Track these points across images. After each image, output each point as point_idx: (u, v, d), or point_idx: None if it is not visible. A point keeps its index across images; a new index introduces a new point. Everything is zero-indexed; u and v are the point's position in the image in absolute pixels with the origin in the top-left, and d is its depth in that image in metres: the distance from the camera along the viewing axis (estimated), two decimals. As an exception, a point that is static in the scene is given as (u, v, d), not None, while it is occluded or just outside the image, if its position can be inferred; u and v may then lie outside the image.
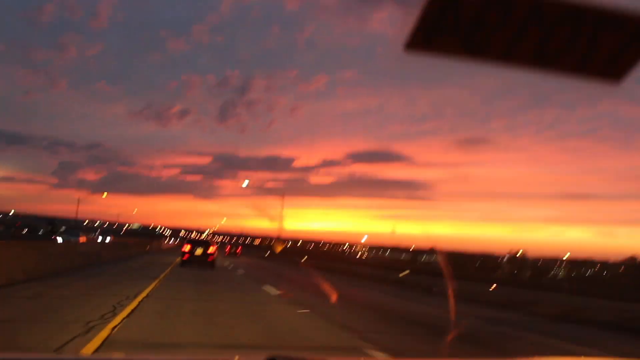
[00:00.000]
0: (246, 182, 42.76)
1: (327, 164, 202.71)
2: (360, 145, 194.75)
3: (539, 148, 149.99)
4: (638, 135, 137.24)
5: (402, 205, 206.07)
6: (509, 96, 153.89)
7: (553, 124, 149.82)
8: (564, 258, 69.25)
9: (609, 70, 1.04)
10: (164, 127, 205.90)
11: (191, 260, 25.90)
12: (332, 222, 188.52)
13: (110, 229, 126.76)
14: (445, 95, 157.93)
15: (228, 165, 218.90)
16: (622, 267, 57.76)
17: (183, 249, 27.32)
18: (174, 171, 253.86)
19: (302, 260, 40.74)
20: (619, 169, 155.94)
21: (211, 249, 27.22)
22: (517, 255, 64.89)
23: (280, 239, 37.98)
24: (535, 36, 0.99)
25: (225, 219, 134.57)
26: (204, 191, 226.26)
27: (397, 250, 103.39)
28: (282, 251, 56.92)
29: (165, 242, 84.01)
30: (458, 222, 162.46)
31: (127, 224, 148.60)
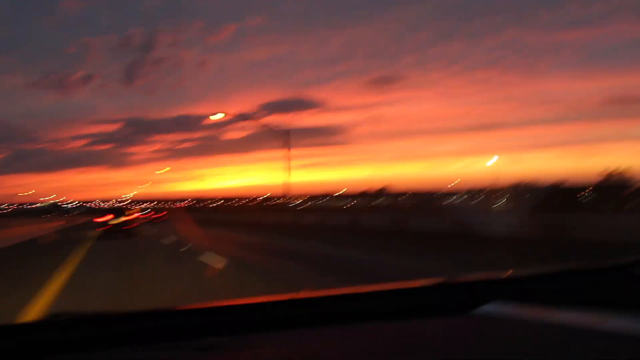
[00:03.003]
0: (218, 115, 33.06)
1: (241, 117, 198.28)
2: (273, 94, 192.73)
3: (448, 82, 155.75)
4: (542, 61, 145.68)
5: (321, 152, 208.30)
6: (416, 31, 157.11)
7: (461, 55, 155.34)
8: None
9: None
10: (66, 96, 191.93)
11: (112, 231, 24.72)
12: (250, 177, 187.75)
13: (20, 210, 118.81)
14: (355, 35, 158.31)
15: (139, 129, 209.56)
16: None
17: (102, 220, 25.70)
18: (83, 142, 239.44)
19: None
20: (526, 96, 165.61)
21: (131, 217, 26.21)
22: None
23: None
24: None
25: (149, 183, 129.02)
26: (116, 159, 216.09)
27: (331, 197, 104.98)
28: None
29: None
30: (376, 164, 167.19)
31: (36, 204, 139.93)
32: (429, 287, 1.62)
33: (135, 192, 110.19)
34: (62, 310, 1.58)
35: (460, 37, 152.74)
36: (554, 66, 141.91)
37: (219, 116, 32.64)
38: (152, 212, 60.53)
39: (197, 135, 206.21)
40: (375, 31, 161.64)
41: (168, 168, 72.77)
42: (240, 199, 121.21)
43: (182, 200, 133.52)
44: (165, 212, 60.14)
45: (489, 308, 1.47)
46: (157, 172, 67.24)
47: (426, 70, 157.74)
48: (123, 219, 25.66)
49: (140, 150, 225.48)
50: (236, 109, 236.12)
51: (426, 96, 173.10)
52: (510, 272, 1.68)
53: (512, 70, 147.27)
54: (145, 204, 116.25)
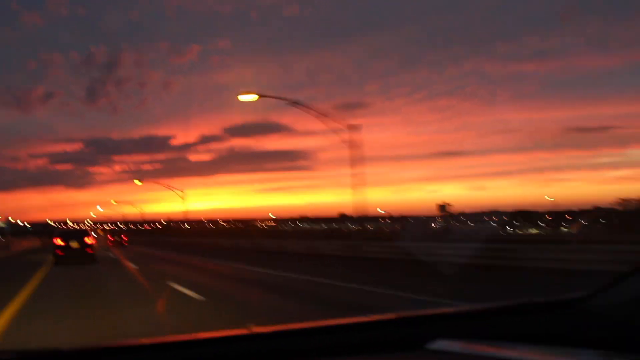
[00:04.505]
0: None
1: (206, 140, 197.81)
2: (238, 118, 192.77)
3: (411, 109, 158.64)
4: (501, 91, 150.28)
5: (285, 176, 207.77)
6: (380, 59, 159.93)
7: (423, 84, 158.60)
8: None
9: None
10: (25, 114, 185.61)
11: (67, 256, 22.81)
12: (217, 201, 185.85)
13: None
14: (320, 61, 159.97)
15: (101, 150, 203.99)
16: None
17: (55, 243, 23.55)
18: (42, 161, 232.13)
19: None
20: (486, 124, 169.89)
21: (89, 240, 24.12)
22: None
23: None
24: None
25: (113, 203, 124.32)
26: (77, 180, 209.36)
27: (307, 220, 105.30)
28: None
29: None
30: (340, 189, 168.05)
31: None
32: (381, 322, 1.59)
33: (99, 214, 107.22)
34: (5, 348, 1.45)
35: (423, 66, 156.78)
36: (513, 96, 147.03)
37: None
38: (110, 235, 58.45)
39: (161, 156, 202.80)
40: (339, 57, 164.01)
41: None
42: (204, 221, 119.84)
43: (146, 222, 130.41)
44: (125, 236, 57.74)
45: (441, 344, 1.45)
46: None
47: (389, 98, 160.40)
48: (87, 241, 24.14)
49: (102, 170, 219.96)
50: (200, 131, 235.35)
51: (389, 122, 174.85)
52: (461, 307, 1.67)
53: (472, 99, 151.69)
54: (105, 226, 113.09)
